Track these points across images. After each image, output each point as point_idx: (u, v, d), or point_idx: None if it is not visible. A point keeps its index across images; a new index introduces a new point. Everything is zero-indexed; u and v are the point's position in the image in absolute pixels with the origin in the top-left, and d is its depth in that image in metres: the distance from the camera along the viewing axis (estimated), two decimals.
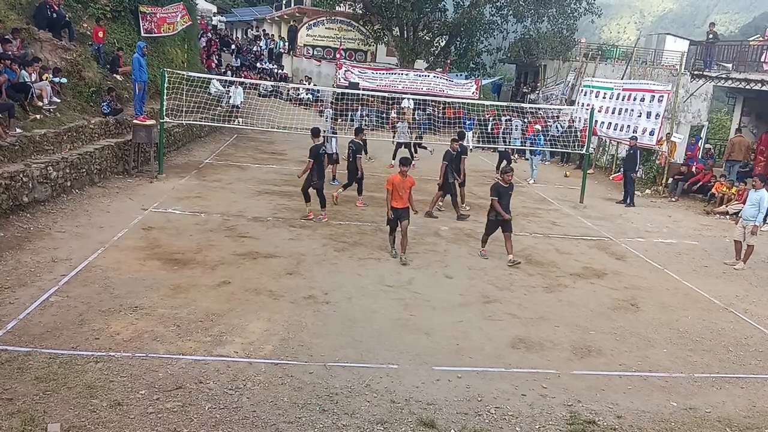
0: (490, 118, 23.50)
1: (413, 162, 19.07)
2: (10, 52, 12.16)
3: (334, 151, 15.53)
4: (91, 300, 7.21)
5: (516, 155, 21.21)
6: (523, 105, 24.29)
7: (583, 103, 20.97)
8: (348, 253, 9.98)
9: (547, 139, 20.41)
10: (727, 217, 15.29)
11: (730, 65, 19.38)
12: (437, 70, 30.24)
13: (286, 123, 18.04)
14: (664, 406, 6.11)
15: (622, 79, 22.46)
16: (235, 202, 12.57)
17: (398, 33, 31.11)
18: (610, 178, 20.10)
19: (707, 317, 8.60)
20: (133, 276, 8.09)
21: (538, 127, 21.06)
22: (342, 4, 33.71)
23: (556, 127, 21.93)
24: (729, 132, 21.55)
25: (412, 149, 19.73)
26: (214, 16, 43.21)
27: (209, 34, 32.80)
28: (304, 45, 35.72)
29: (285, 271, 8.84)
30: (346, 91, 20.24)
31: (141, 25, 18.52)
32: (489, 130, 21.99)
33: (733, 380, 6.79)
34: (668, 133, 17.93)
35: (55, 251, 8.61)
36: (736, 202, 15.51)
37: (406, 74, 27.60)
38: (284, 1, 41.31)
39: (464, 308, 8.14)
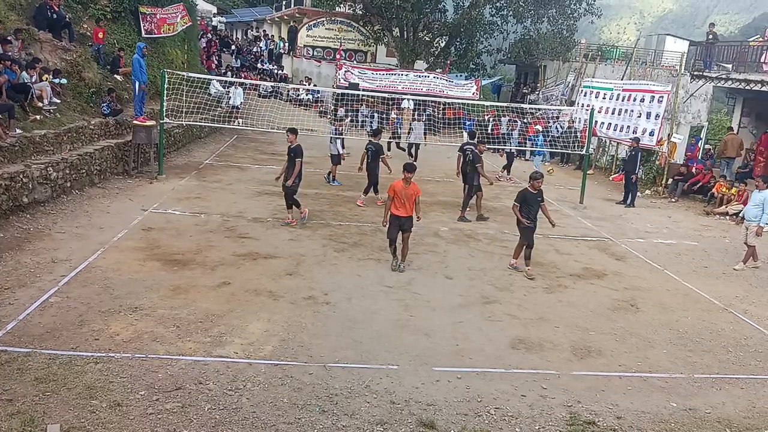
0: (490, 119, 23.51)
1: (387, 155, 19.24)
2: (10, 53, 12.16)
3: (338, 152, 15.52)
4: (91, 301, 7.21)
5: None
6: (522, 105, 24.31)
7: (582, 104, 20.97)
8: (348, 253, 9.98)
9: (547, 139, 20.43)
10: (727, 217, 15.29)
11: (729, 66, 19.40)
12: (437, 70, 30.24)
13: (286, 124, 18.03)
14: (663, 406, 6.11)
15: (621, 79, 22.47)
16: (235, 202, 12.57)
17: (398, 34, 31.14)
18: (610, 178, 20.10)
19: (707, 318, 8.60)
20: (133, 277, 8.09)
21: (538, 127, 21.08)
22: (342, 5, 33.73)
23: (556, 128, 21.95)
24: (740, 142, 21.49)
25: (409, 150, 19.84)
26: (214, 16, 43.25)
27: (209, 35, 32.85)
28: (304, 46, 35.75)
29: (285, 272, 8.84)
30: (346, 91, 20.23)
31: (141, 25, 18.54)
32: (489, 131, 22.01)
33: (733, 381, 6.79)
34: (669, 134, 17.93)
35: (54, 252, 8.61)
36: (736, 202, 15.51)
37: (406, 75, 27.58)
38: (284, 2, 41.35)
39: (464, 309, 8.14)
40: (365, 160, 13.51)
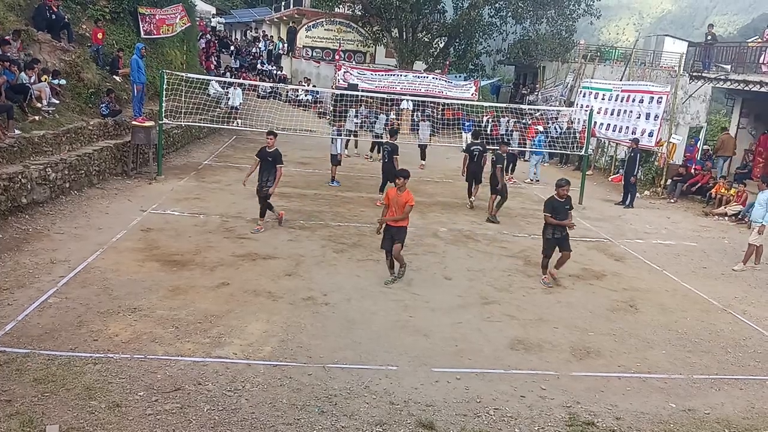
0: (489, 120, 23.52)
1: (422, 162, 19.36)
2: (9, 54, 12.15)
3: (338, 152, 15.53)
4: (90, 301, 7.21)
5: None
6: (522, 106, 24.32)
7: (581, 105, 20.98)
8: (347, 254, 9.98)
9: (547, 140, 20.44)
10: (726, 218, 15.30)
11: (728, 66, 19.39)
12: (436, 71, 30.27)
13: (285, 124, 18.03)
14: (662, 407, 6.11)
15: (620, 80, 22.48)
16: (234, 203, 12.56)
17: (397, 34, 31.16)
18: (609, 179, 20.11)
19: (706, 318, 8.61)
20: (132, 277, 8.08)
21: (539, 128, 21.08)
22: (341, 6, 33.75)
23: (555, 129, 21.95)
24: (735, 141, 21.50)
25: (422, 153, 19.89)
26: (213, 17, 43.18)
27: (208, 36, 32.76)
28: (303, 46, 35.74)
29: (284, 273, 8.83)
30: (345, 92, 20.24)
31: (140, 26, 18.53)
32: (488, 132, 22.02)
33: (732, 381, 6.80)
34: (669, 136, 17.94)
35: (53, 253, 8.61)
36: (735, 203, 15.52)
37: (405, 75, 27.62)
38: (283, 3, 41.34)
39: (463, 310, 8.14)
40: (381, 160, 13.87)
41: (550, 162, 23.24)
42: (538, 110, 24.01)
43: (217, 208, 12.05)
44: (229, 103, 23.47)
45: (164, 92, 14.29)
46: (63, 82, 13.62)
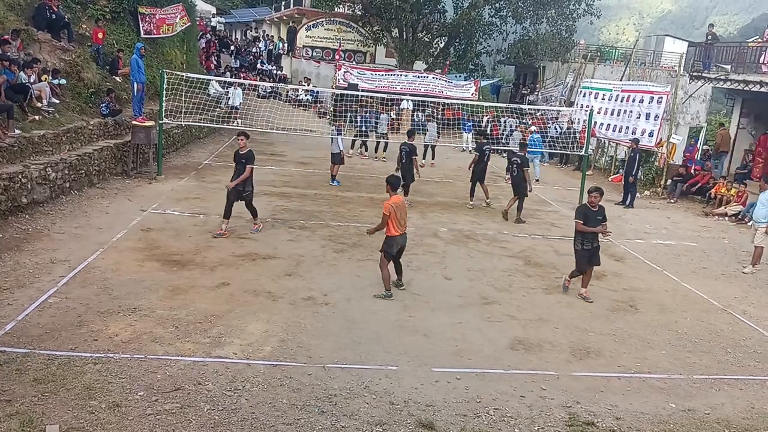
0: (489, 120, 23.52)
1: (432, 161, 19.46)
2: (9, 53, 12.15)
3: (339, 150, 15.54)
4: (90, 301, 7.21)
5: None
6: (522, 106, 24.31)
7: (582, 105, 20.98)
8: (347, 254, 9.98)
9: (546, 141, 20.44)
10: (726, 218, 15.30)
11: (728, 66, 19.38)
12: (436, 71, 30.27)
13: (285, 124, 18.04)
14: (662, 407, 6.11)
15: (621, 80, 22.48)
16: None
17: (397, 34, 31.16)
18: (609, 179, 20.11)
19: (706, 319, 8.61)
20: (132, 277, 8.08)
21: (532, 128, 21.07)
22: (341, 5, 33.74)
23: (555, 129, 21.94)
24: (731, 137, 21.51)
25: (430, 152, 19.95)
26: (213, 17, 43.15)
27: (208, 35, 32.77)
28: (303, 46, 35.74)
29: (284, 273, 8.83)
30: (345, 92, 20.24)
31: (140, 26, 18.52)
32: (488, 132, 22.03)
33: (732, 382, 6.80)
34: (668, 136, 17.94)
35: (53, 252, 8.61)
36: (735, 203, 15.52)
37: (405, 75, 27.62)
38: (283, 2, 41.34)
39: (463, 310, 8.14)
40: (399, 161, 13.94)
41: (549, 162, 23.24)
42: (539, 110, 23.99)
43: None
44: (229, 102, 23.47)
45: (164, 92, 14.29)
46: (63, 81, 13.62)
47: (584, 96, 21.41)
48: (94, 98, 14.51)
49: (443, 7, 32.97)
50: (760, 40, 20.89)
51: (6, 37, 12.42)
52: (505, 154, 22.04)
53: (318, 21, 35.51)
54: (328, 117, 24.83)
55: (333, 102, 22.18)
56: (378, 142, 20.66)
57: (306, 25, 35.82)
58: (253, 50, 37.35)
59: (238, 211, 11.90)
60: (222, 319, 7.09)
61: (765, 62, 17.79)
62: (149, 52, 17.70)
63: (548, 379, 6.44)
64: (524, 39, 32.51)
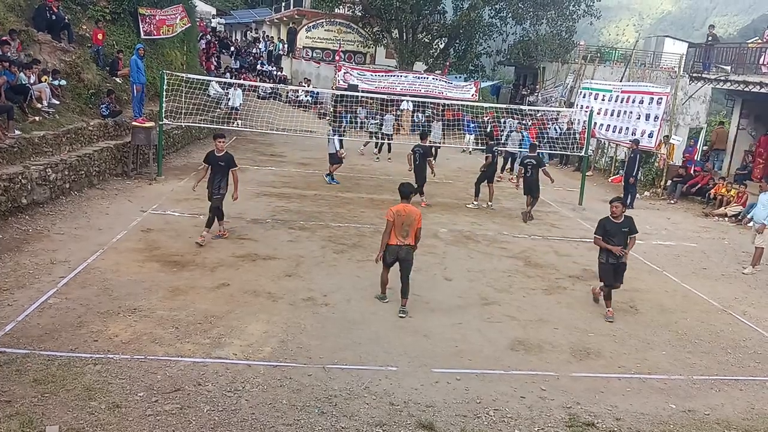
0: (489, 120, 23.51)
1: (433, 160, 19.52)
2: (9, 54, 12.16)
3: (335, 150, 15.54)
4: (90, 302, 7.21)
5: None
6: (522, 107, 24.31)
7: (581, 105, 20.98)
8: (347, 255, 9.98)
9: (545, 141, 20.43)
10: (726, 219, 15.30)
11: (728, 67, 19.40)
12: (436, 72, 30.28)
13: (285, 125, 18.05)
14: (662, 408, 6.11)
15: (620, 81, 22.48)
16: (233, 204, 12.51)
17: (397, 35, 31.17)
18: (609, 180, 20.11)
19: (706, 319, 8.61)
20: (132, 278, 8.08)
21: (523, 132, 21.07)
22: (341, 7, 33.76)
23: (555, 130, 21.93)
24: (728, 134, 21.53)
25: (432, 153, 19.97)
26: (213, 18, 43.16)
27: (208, 36, 32.77)
28: (303, 47, 35.76)
29: (284, 273, 8.83)
30: (345, 93, 20.25)
31: (140, 27, 18.53)
32: (488, 132, 22.03)
33: (732, 382, 6.80)
34: (666, 136, 17.95)
35: (53, 253, 8.61)
36: (735, 204, 15.52)
37: (405, 76, 27.61)
38: (283, 3, 41.37)
39: (463, 310, 8.14)
40: (413, 162, 14.04)
41: (549, 163, 23.20)
42: (539, 111, 23.99)
43: None
44: (230, 103, 23.47)
45: (164, 93, 14.29)
46: (63, 82, 13.62)
47: (584, 97, 21.40)
48: (94, 99, 14.51)
49: (443, 8, 32.97)
50: (759, 41, 20.88)
51: (5, 38, 12.43)
52: (503, 155, 22.11)
53: (318, 22, 35.54)
54: (328, 118, 24.83)
55: (333, 103, 22.18)
56: (382, 144, 20.67)
57: (306, 26, 35.85)
58: (253, 51, 37.36)
59: (239, 211, 11.93)
60: (222, 320, 7.09)
61: (765, 63, 17.80)
62: (149, 53, 17.70)
63: (548, 380, 6.44)
64: (524, 40, 32.52)
